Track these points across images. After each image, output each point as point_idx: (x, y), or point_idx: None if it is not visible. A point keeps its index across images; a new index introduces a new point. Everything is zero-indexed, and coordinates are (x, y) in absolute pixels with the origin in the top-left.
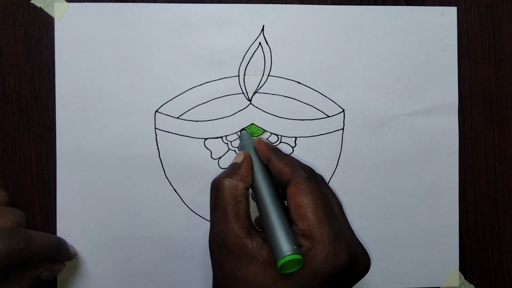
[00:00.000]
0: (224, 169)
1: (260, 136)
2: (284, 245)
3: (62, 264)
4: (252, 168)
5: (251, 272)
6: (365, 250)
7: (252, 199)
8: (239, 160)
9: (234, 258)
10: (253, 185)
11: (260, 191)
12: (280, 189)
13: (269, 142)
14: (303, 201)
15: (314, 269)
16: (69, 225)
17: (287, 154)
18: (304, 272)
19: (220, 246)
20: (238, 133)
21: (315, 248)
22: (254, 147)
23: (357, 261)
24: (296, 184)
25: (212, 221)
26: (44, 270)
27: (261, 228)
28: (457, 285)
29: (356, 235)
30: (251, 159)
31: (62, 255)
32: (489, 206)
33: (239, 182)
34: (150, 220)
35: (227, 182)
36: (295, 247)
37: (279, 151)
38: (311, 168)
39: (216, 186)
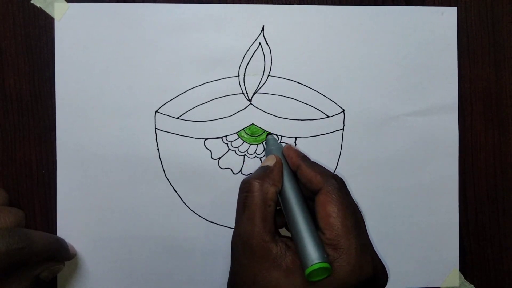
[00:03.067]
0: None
1: (289, 143)
2: (314, 252)
3: (61, 263)
4: (282, 173)
5: (273, 277)
6: (383, 265)
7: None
8: (271, 163)
9: (257, 262)
10: (281, 192)
11: (288, 197)
12: (307, 200)
13: (297, 149)
14: (333, 210)
15: (338, 280)
16: (69, 225)
17: (316, 162)
18: (328, 282)
19: (244, 247)
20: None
21: (341, 259)
22: (283, 153)
23: (379, 275)
24: (326, 193)
25: (238, 221)
26: (43, 270)
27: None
28: (457, 285)
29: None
30: (281, 163)
31: (62, 255)
32: (489, 206)
33: (270, 186)
34: (150, 220)
35: (258, 185)
36: (324, 255)
37: (308, 158)
38: (341, 179)
39: (248, 187)
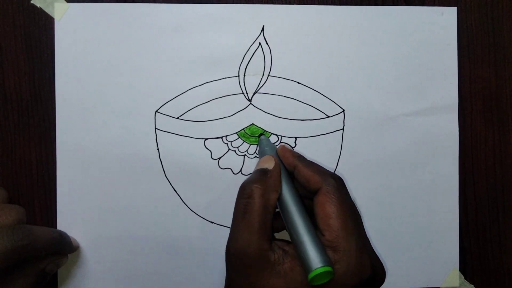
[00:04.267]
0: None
1: (282, 143)
2: (316, 257)
3: (65, 256)
4: (281, 175)
5: (271, 285)
6: (381, 262)
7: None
8: (270, 166)
9: (255, 270)
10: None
11: (286, 201)
12: (305, 200)
13: (292, 149)
14: (333, 211)
15: (339, 282)
16: (69, 225)
17: (313, 162)
18: (329, 284)
19: (241, 255)
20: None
21: (341, 261)
22: (277, 154)
23: (377, 274)
24: (325, 193)
25: (236, 227)
26: (48, 263)
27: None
28: (457, 285)
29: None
30: (280, 166)
31: (65, 248)
32: (489, 206)
33: (272, 192)
34: (150, 220)
35: (260, 190)
36: (327, 259)
37: (305, 158)
38: (340, 177)
39: (249, 193)
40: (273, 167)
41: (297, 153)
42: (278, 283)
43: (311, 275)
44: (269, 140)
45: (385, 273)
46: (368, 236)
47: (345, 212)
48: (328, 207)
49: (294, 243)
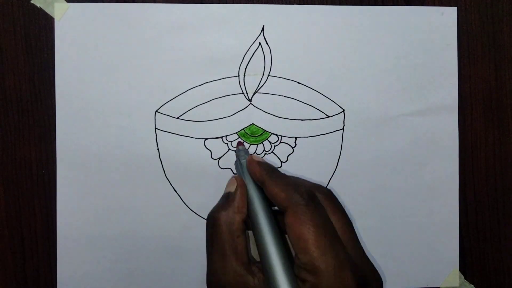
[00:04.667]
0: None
1: (251, 155)
2: (283, 286)
3: None
4: (246, 195)
5: None
6: (375, 270)
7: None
8: (232, 189)
9: None
10: (249, 213)
11: (256, 221)
12: (278, 213)
13: (262, 160)
14: (303, 232)
15: None
16: (69, 225)
17: (282, 174)
18: None
19: (220, 285)
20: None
21: (320, 283)
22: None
23: (367, 285)
24: (294, 213)
25: (209, 258)
26: None
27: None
28: (457, 285)
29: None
30: (244, 185)
31: None
32: (489, 206)
33: (235, 215)
34: (150, 220)
35: (223, 217)
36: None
37: (274, 171)
38: (309, 191)
39: (212, 222)
40: (235, 190)
41: (268, 165)
42: None
43: None
44: (246, 151)
45: (381, 283)
46: (362, 244)
47: (317, 230)
48: (297, 228)
49: (265, 272)
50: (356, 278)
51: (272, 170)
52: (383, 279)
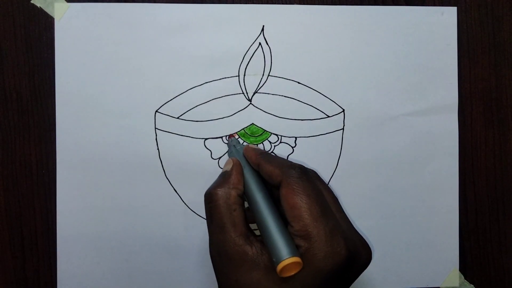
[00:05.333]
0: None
1: (248, 144)
2: (282, 249)
3: None
4: (242, 174)
5: (254, 278)
6: (365, 241)
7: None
8: (228, 168)
9: (236, 266)
10: (246, 192)
11: (253, 197)
12: (274, 192)
13: (256, 147)
14: (296, 201)
15: (314, 269)
16: (69, 225)
17: (276, 156)
18: (305, 272)
19: (221, 256)
20: (225, 138)
21: (313, 248)
22: (243, 154)
23: (358, 253)
24: (287, 184)
25: (210, 232)
26: None
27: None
28: (457, 285)
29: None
30: (240, 164)
31: None
32: (489, 206)
33: (231, 190)
34: (150, 220)
35: (220, 192)
36: (293, 250)
37: (268, 154)
38: (301, 166)
39: (209, 198)
40: (231, 167)
41: (262, 150)
42: (259, 275)
43: (279, 267)
44: (238, 142)
45: (370, 253)
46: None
47: (309, 199)
48: (290, 198)
49: (264, 240)
50: (346, 246)
51: (266, 153)
52: (383, 279)
